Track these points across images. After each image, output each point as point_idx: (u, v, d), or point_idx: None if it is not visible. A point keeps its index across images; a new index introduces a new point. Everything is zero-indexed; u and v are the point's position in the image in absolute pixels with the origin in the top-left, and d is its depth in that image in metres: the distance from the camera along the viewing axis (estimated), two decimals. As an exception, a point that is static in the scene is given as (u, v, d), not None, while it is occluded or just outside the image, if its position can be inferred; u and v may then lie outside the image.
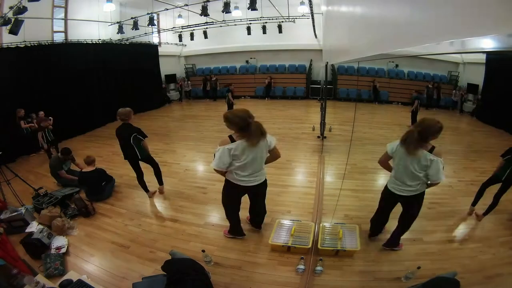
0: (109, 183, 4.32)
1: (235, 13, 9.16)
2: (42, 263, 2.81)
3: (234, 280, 2.64)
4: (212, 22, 9.55)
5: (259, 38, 10.83)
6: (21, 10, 5.63)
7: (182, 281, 2.02)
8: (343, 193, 3.75)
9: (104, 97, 8.68)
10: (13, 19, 5.67)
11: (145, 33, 10.01)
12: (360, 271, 2.71)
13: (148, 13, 8.59)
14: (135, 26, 8.62)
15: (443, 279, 2.21)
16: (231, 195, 2.89)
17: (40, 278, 2.35)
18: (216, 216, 3.75)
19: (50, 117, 6.27)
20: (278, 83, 11.96)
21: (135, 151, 3.78)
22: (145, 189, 4.18)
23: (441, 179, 2.34)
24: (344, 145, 6.06)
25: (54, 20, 7.50)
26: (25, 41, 6.38)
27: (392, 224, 2.95)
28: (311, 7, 8.24)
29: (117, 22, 8.92)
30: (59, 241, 3.19)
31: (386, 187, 2.70)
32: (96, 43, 8.46)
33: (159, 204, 4.12)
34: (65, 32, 8.01)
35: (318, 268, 2.67)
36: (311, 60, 11.78)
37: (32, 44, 6.59)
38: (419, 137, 2.25)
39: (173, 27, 10.71)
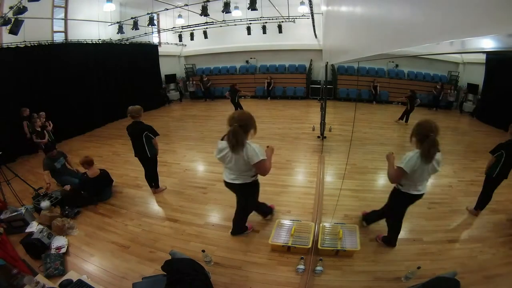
0: (110, 184, 4.32)
1: (235, 13, 9.15)
2: (42, 263, 2.81)
3: (234, 280, 2.64)
4: (212, 22, 9.54)
5: (259, 38, 10.82)
6: (21, 10, 5.62)
7: (182, 281, 2.02)
8: (343, 193, 3.75)
9: (104, 97, 8.68)
10: (13, 19, 5.67)
11: (145, 33, 10.00)
12: (360, 271, 2.72)
13: (148, 13, 8.59)
14: (135, 26, 8.62)
15: (443, 279, 2.21)
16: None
17: (40, 278, 2.35)
18: (216, 216, 3.75)
19: (49, 121, 6.34)
20: (278, 83, 11.95)
21: (145, 148, 3.87)
22: (150, 185, 4.31)
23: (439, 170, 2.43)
24: (344, 145, 6.06)
25: (54, 20, 7.49)
26: (25, 41, 6.38)
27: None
28: (311, 7, 8.23)
29: (117, 22, 8.91)
30: (59, 241, 3.19)
31: (403, 193, 2.57)
32: (96, 43, 8.46)
33: (159, 204, 4.12)
34: (65, 32, 8.00)
35: (318, 268, 2.67)
36: (311, 60, 11.77)
37: (32, 44, 6.58)
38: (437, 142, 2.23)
39: (173, 27, 10.71)
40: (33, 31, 6.53)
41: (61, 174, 4.50)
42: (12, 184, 4.11)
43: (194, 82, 12.61)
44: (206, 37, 10.89)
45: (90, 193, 4.06)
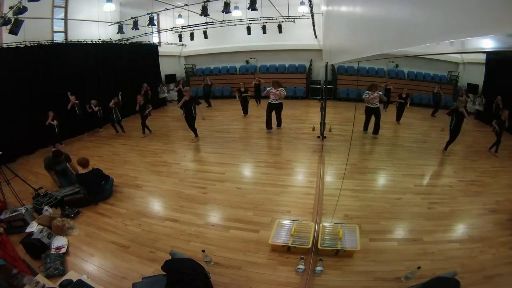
0: (107, 182, 4.31)
1: (235, 13, 9.15)
2: (42, 263, 2.81)
3: (234, 280, 2.64)
4: (212, 22, 9.54)
5: (259, 38, 10.82)
6: (21, 10, 5.62)
7: (182, 281, 2.02)
8: (343, 193, 3.75)
9: (104, 97, 8.66)
10: (13, 19, 5.66)
11: (145, 33, 10.00)
12: (360, 271, 2.72)
13: (148, 13, 8.58)
14: (135, 26, 8.62)
15: (443, 279, 2.21)
16: None
17: (40, 278, 2.35)
18: (216, 216, 3.75)
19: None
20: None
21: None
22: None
23: None
24: (344, 145, 6.06)
25: (54, 20, 7.49)
26: (25, 41, 6.38)
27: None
28: (311, 7, 8.24)
29: (117, 22, 8.91)
30: (59, 241, 3.19)
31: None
32: (96, 43, 8.45)
33: (159, 204, 4.12)
34: (65, 32, 8.00)
35: (318, 268, 2.67)
36: (311, 60, 11.77)
37: (32, 44, 6.58)
38: None
39: (173, 27, 10.71)
40: (33, 31, 6.53)
41: (59, 176, 4.61)
42: (12, 184, 4.11)
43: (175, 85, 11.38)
44: (206, 37, 10.88)
45: (87, 190, 4.07)
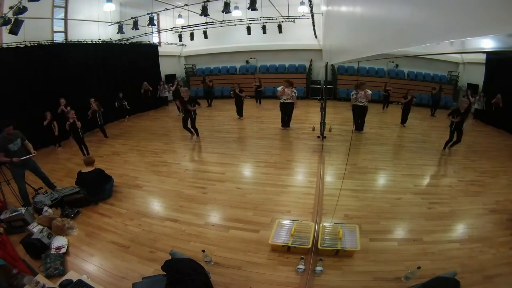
0: (108, 182, 4.31)
1: (235, 13, 9.15)
2: (42, 263, 2.81)
3: (234, 280, 2.64)
4: (212, 22, 9.54)
5: (259, 38, 10.82)
6: (21, 10, 5.63)
7: (182, 281, 2.02)
8: (343, 193, 3.75)
9: (104, 97, 8.67)
10: (13, 19, 5.67)
11: (145, 33, 10.00)
12: (360, 271, 2.71)
13: (148, 13, 8.59)
14: (135, 26, 8.62)
15: (443, 279, 2.22)
16: None
17: (40, 278, 2.35)
18: (216, 216, 3.75)
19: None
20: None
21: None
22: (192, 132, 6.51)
23: None
24: (344, 145, 6.06)
25: (54, 20, 7.49)
26: (25, 41, 6.38)
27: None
28: (311, 7, 8.24)
29: (117, 22, 8.91)
30: (59, 241, 3.19)
31: None
32: (96, 43, 8.45)
33: (159, 204, 4.12)
34: (65, 32, 8.00)
35: (318, 268, 2.67)
36: (311, 60, 11.77)
37: (32, 44, 6.58)
38: None
39: (173, 27, 10.71)
40: (33, 31, 6.53)
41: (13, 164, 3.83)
42: (12, 184, 4.10)
43: (170, 85, 10.91)
44: (206, 37, 10.89)
45: (87, 190, 4.07)
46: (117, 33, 9.00)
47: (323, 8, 7.21)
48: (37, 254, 2.96)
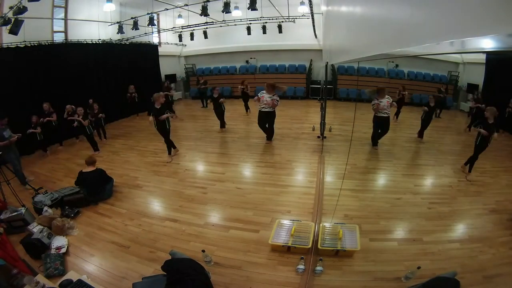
0: (108, 183, 4.31)
1: (235, 13, 9.15)
2: (42, 263, 2.81)
3: (234, 280, 2.64)
4: (212, 22, 9.54)
5: (259, 38, 10.82)
6: (21, 10, 5.62)
7: (182, 281, 2.02)
8: (343, 193, 3.75)
9: (104, 97, 8.67)
10: (13, 19, 5.66)
11: (145, 33, 9.99)
12: (360, 271, 2.72)
13: (148, 13, 8.58)
14: (135, 26, 8.61)
15: (443, 279, 2.22)
16: None
17: (40, 278, 2.35)
18: (216, 216, 3.75)
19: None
20: (278, 83, 11.92)
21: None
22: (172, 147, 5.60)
23: None
24: (344, 145, 6.06)
25: (54, 20, 7.49)
26: (25, 41, 6.37)
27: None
28: (311, 7, 8.23)
29: (117, 22, 8.91)
30: (59, 241, 3.19)
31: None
32: (96, 43, 8.45)
33: (159, 204, 4.12)
34: (65, 32, 8.00)
35: (318, 268, 2.67)
36: (311, 60, 11.77)
37: (32, 44, 6.58)
38: None
39: (173, 27, 10.71)
40: (33, 31, 6.53)
41: (6, 149, 4.49)
42: (12, 184, 4.11)
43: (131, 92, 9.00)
44: (206, 37, 10.88)
45: (87, 190, 4.07)
46: (117, 33, 8.99)
47: (323, 8, 7.21)
48: (37, 254, 2.96)
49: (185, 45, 12.68)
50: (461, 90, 10.09)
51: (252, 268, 2.77)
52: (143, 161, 5.66)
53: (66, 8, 7.77)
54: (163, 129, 5.28)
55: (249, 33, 10.38)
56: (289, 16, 9.52)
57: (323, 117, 6.22)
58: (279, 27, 10.12)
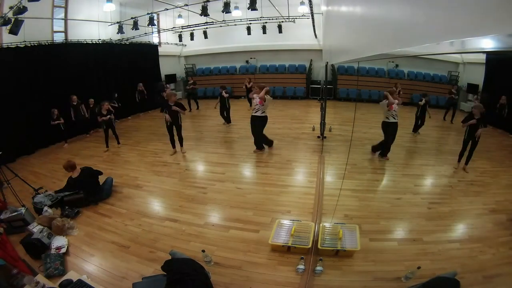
0: (105, 181, 4.30)
1: (235, 13, 9.15)
2: (42, 263, 2.81)
3: (234, 280, 2.64)
4: (212, 22, 9.54)
5: (259, 38, 10.82)
6: (21, 10, 5.63)
7: (182, 281, 2.02)
8: (343, 193, 3.75)
9: (104, 97, 8.66)
10: (13, 19, 5.67)
11: (145, 33, 10.00)
12: (360, 271, 2.71)
13: (148, 13, 8.58)
14: (135, 26, 8.61)
15: (443, 279, 2.22)
16: None
17: (40, 278, 2.35)
18: (216, 216, 3.75)
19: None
20: (278, 83, 11.94)
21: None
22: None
23: None
24: (344, 145, 6.06)
25: (54, 20, 7.49)
26: (25, 41, 6.38)
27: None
28: (311, 7, 8.23)
29: (117, 22, 8.91)
30: (59, 241, 3.19)
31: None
32: (96, 43, 8.46)
33: (159, 204, 4.12)
34: (65, 32, 8.00)
35: (318, 268, 2.67)
36: (311, 60, 11.77)
37: (32, 44, 6.58)
38: None
39: (173, 27, 10.71)
40: (33, 31, 6.53)
41: None
42: (12, 184, 4.11)
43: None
44: (206, 37, 10.88)
45: (86, 192, 4.05)
46: (117, 33, 8.99)
47: (323, 8, 7.21)
48: (37, 254, 2.96)
49: (185, 45, 12.68)
50: (461, 90, 10.09)
51: (252, 268, 2.77)
52: (143, 161, 5.66)
53: (66, 8, 7.78)
54: (177, 123, 5.65)
55: (249, 33, 10.38)
56: (289, 16, 9.52)
57: (323, 117, 6.23)
58: (279, 27, 10.12)
